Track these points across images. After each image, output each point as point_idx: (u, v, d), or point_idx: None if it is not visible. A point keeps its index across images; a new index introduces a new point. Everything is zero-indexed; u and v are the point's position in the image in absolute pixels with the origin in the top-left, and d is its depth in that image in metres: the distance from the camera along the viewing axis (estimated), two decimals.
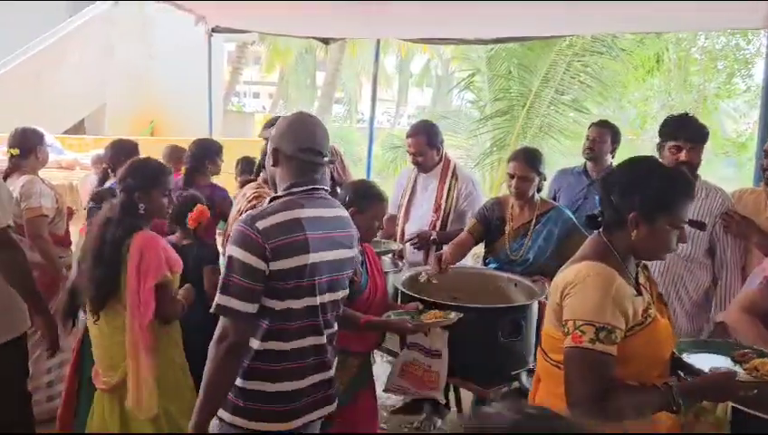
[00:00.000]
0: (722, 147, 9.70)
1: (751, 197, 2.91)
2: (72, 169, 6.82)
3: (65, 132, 9.64)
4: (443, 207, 3.36)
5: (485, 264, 3.09)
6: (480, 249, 3.27)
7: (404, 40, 5.50)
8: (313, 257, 1.82)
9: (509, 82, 7.87)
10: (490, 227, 3.05)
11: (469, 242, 3.09)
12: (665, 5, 3.36)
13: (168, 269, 2.40)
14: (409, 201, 3.54)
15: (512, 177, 2.91)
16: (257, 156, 6.86)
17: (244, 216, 1.85)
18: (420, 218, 3.43)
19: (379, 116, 30.69)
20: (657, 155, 2.83)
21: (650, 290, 1.74)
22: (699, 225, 2.74)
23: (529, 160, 2.91)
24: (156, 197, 2.45)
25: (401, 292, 2.67)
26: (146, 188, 2.42)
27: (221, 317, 1.77)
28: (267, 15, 5.33)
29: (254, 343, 1.83)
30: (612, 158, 3.75)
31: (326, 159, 1.91)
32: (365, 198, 2.47)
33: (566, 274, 1.65)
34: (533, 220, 2.93)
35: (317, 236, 1.84)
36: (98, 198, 3.06)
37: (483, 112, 8.48)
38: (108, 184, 3.49)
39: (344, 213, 2.03)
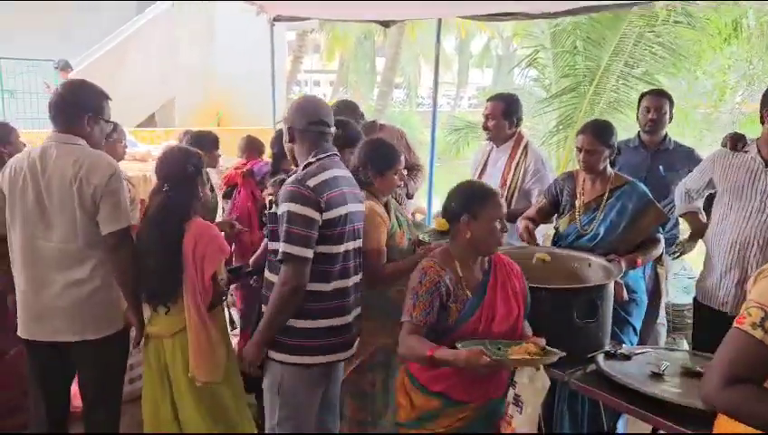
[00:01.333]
0: None
1: None
2: (145, 161, 7.07)
3: (138, 126, 10.03)
4: (509, 182, 3.30)
5: (555, 241, 3.00)
6: (550, 229, 3.19)
7: (466, 18, 5.37)
8: (347, 208, 2.22)
9: (575, 57, 7.55)
10: (560, 203, 2.97)
11: (538, 219, 3.03)
12: None
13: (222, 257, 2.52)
14: (480, 176, 3.50)
15: (579, 150, 2.83)
16: None
17: (291, 178, 2.19)
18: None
19: (439, 99, 30.39)
20: (749, 128, 2.68)
21: None
22: None
23: (597, 133, 2.81)
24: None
25: None
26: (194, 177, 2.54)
27: (283, 264, 2.11)
28: (326, 1, 5.34)
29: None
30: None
31: (332, 129, 2.28)
32: (474, 202, 2.09)
33: None
34: (606, 194, 2.83)
35: (346, 191, 2.24)
36: None
37: (548, 90, 8.21)
38: None
39: (352, 175, 2.41)
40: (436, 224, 2.24)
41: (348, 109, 3.96)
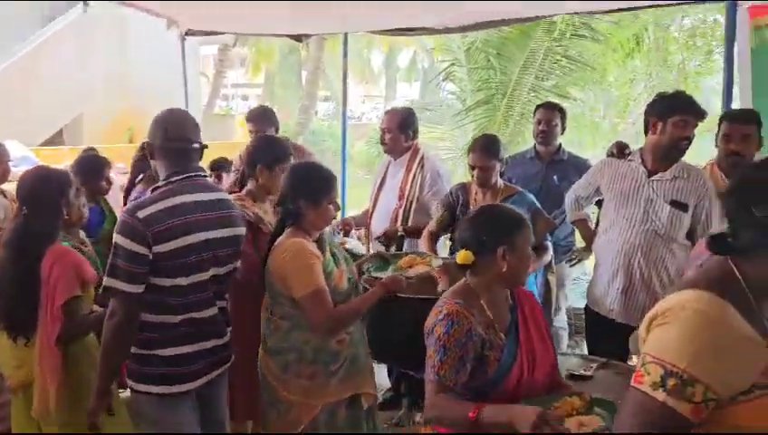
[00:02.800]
0: (707, 123, 9.67)
1: (706, 174, 2.91)
2: None
3: (43, 143, 9.56)
4: (406, 195, 3.34)
5: (452, 251, 3.06)
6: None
7: (373, 33, 5.45)
8: (194, 238, 2.06)
9: (488, 71, 7.80)
10: (455, 213, 3.03)
11: (440, 230, 3.08)
12: None
13: (81, 286, 2.31)
14: (379, 190, 3.54)
15: (473, 168, 2.91)
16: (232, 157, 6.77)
17: (128, 205, 2.10)
18: (385, 206, 3.42)
19: (367, 111, 30.74)
20: (643, 135, 2.80)
21: None
22: (682, 206, 2.74)
23: (487, 150, 2.91)
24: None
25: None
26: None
27: (110, 298, 2.00)
28: (237, 16, 5.29)
29: (150, 317, 2.06)
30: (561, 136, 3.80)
31: (196, 145, 2.13)
32: (511, 231, 1.83)
33: (665, 301, 1.24)
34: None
35: (197, 218, 2.07)
36: None
37: (464, 103, 8.43)
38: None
39: (225, 196, 2.26)
40: (459, 258, 1.86)
41: (263, 117, 3.92)
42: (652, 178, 2.79)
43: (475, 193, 2.99)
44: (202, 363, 2.16)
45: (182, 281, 2.06)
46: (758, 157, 2.83)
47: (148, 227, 1.97)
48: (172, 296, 2.06)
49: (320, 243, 2.34)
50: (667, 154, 2.77)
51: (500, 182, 2.97)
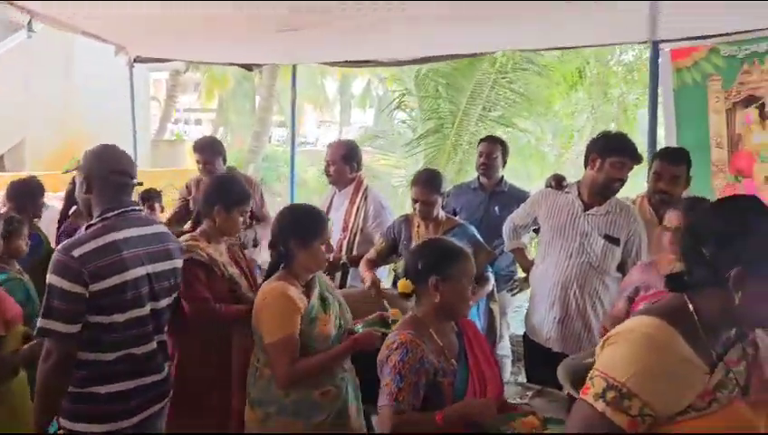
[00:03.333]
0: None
1: (635, 207, 3.05)
2: None
3: None
4: (350, 226, 3.39)
5: (394, 283, 3.11)
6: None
7: (322, 64, 5.54)
8: (132, 274, 2.03)
9: (438, 101, 8.00)
10: (397, 245, 3.10)
11: (379, 260, 3.13)
12: (558, 23, 3.50)
13: (3, 325, 2.26)
14: None
15: (415, 201, 2.99)
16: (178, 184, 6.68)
17: (61, 244, 2.03)
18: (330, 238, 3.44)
19: (322, 137, 30.83)
20: (586, 167, 2.91)
21: (747, 377, 1.33)
22: (614, 240, 2.86)
23: (429, 184, 3.00)
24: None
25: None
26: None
27: (45, 339, 1.94)
28: (187, 44, 5.30)
29: (84, 355, 2.01)
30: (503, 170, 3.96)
31: (134, 181, 2.15)
32: (444, 261, 1.91)
33: (621, 325, 1.35)
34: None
35: (134, 253, 2.05)
36: None
37: (415, 132, 8.60)
38: None
39: (162, 229, 2.25)
40: (400, 286, 1.95)
41: (210, 147, 3.93)
42: (588, 212, 2.90)
43: (418, 225, 3.06)
44: (140, 400, 2.12)
45: (119, 317, 2.03)
46: (686, 194, 3.00)
47: (84, 266, 1.94)
48: (108, 333, 2.03)
49: (309, 287, 2.28)
50: (601, 191, 2.89)
51: (442, 215, 3.05)
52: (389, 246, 3.12)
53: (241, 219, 2.63)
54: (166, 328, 2.27)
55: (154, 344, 2.17)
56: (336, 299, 2.37)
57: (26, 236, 3.00)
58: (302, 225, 2.25)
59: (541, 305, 2.99)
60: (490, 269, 3.12)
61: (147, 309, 2.11)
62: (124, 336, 2.06)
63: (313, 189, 13.74)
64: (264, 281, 2.32)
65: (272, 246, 2.29)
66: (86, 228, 2.07)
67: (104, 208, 2.06)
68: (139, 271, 2.06)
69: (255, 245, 3.69)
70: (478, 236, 3.03)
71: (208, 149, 3.89)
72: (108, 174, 2.07)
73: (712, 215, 1.34)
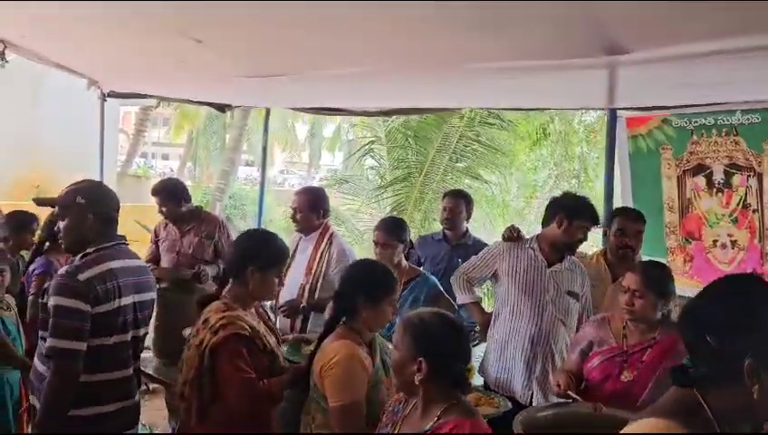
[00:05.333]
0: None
1: (592, 263, 3.18)
2: None
3: None
4: (314, 271, 3.42)
5: None
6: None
7: (294, 110, 5.65)
8: (124, 301, 2.21)
9: (406, 150, 8.21)
10: None
11: None
12: (530, 86, 3.67)
13: None
14: (288, 265, 3.57)
15: (376, 244, 3.06)
16: (144, 221, 6.59)
17: (62, 270, 2.19)
18: (293, 281, 3.46)
19: (291, 179, 30.93)
20: (549, 227, 2.98)
21: None
22: (575, 295, 2.99)
23: (389, 229, 3.09)
24: None
25: None
26: None
27: (52, 359, 2.08)
28: (162, 82, 5.35)
29: None
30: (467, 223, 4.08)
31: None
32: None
33: (628, 427, 1.23)
34: (401, 286, 3.02)
35: (126, 282, 2.23)
36: None
37: (383, 178, 8.75)
38: None
39: (142, 262, 2.45)
40: None
41: (171, 193, 3.95)
42: (552, 269, 2.99)
43: None
44: (115, 422, 2.24)
45: (107, 341, 2.18)
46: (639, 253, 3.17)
47: (91, 289, 2.11)
48: (95, 355, 2.15)
49: (371, 346, 2.19)
50: (562, 249, 3.00)
51: (405, 263, 3.12)
52: None
53: (276, 281, 2.34)
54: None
55: (131, 370, 2.31)
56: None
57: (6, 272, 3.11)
58: (373, 282, 2.17)
59: (512, 361, 2.99)
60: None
61: (129, 335, 2.26)
62: (110, 359, 2.21)
63: (279, 228, 13.70)
64: (322, 335, 2.19)
65: (335, 299, 2.21)
66: (82, 257, 2.22)
67: (102, 240, 2.25)
68: (129, 299, 2.24)
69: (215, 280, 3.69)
70: (440, 286, 3.10)
71: (167, 195, 3.99)
72: (110, 210, 2.30)
73: (713, 300, 1.24)
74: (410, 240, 3.17)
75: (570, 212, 2.94)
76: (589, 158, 9.78)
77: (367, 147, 8.76)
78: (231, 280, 2.30)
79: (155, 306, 2.55)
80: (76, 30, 4.05)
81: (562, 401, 2.45)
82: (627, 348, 2.48)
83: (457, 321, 1.93)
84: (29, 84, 10.33)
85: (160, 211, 4.01)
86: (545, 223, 3.08)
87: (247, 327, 2.15)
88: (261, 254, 2.27)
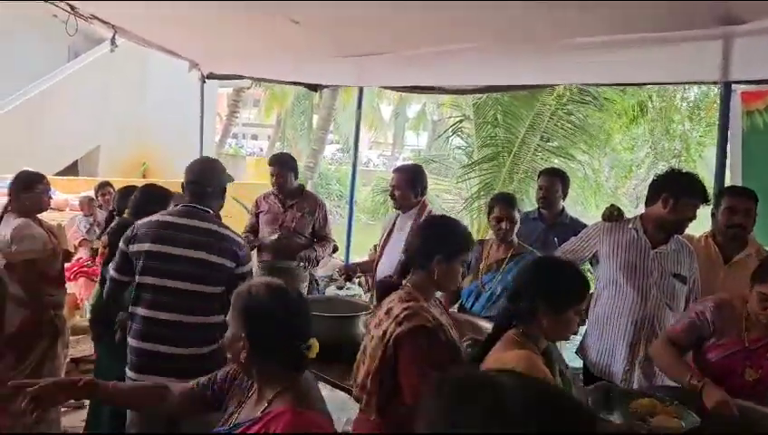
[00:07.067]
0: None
1: (700, 245, 3.01)
2: (62, 210, 6.93)
3: (58, 173, 9.78)
4: None
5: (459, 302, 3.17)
6: None
7: (387, 88, 5.68)
8: (150, 247, 2.64)
9: (496, 129, 8.03)
10: (468, 266, 3.13)
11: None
12: (633, 60, 3.50)
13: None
14: (386, 242, 3.63)
15: (499, 220, 3.04)
16: (240, 197, 6.88)
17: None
18: (391, 259, 3.50)
19: (375, 159, 31.16)
20: (653, 206, 2.85)
21: None
22: (682, 278, 2.86)
23: (512, 203, 3.10)
24: None
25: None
26: None
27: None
28: (258, 63, 5.55)
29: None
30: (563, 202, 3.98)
31: (209, 188, 2.74)
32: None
33: None
34: (507, 258, 3.03)
35: (163, 233, 2.65)
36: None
37: (471, 158, 8.64)
38: None
39: (214, 227, 2.67)
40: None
41: (288, 162, 4.16)
42: (656, 251, 2.85)
43: (490, 246, 3.13)
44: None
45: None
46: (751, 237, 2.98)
47: (133, 232, 2.76)
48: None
49: (548, 357, 1.90)
50: (669, 230, 2.85)
51: (515, 239, 3.11)
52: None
53: (461, 271, 2.19)
54: None
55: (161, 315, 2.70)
56: (571, 375, 2.03)
57: None
58: (558, 286, 1.89)
59: (614, 344, 2.90)
60: None
61: (147, 280, 2.73)
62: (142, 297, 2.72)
63: (363, 209, 13.93)
64: (488, 339, 1.98)
65: (511, 300, 1.96)
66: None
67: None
68: (158, 247, 2.71)
69: (317, 263, 3.82)
70: None
71: (283, 163, 4.10)
72: (186, 183, 2.77)
73: None
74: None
75: (676, 190, 2.79)
76: (691, 136, 9.21)
77: (456, 125, 8.65)
78: (412, 269, 2.15)
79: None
80: (179, 13, 4.27)
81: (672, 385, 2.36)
82: (749, 344, 2.34)
83: (294, 292, 1.70)
84: (137, 69, 11.00)
85: (276, 181, 4.14)
86: (648, 202, 2.95)
87: (431, 319, 2.01)
88: (448, 242, 2.12)
